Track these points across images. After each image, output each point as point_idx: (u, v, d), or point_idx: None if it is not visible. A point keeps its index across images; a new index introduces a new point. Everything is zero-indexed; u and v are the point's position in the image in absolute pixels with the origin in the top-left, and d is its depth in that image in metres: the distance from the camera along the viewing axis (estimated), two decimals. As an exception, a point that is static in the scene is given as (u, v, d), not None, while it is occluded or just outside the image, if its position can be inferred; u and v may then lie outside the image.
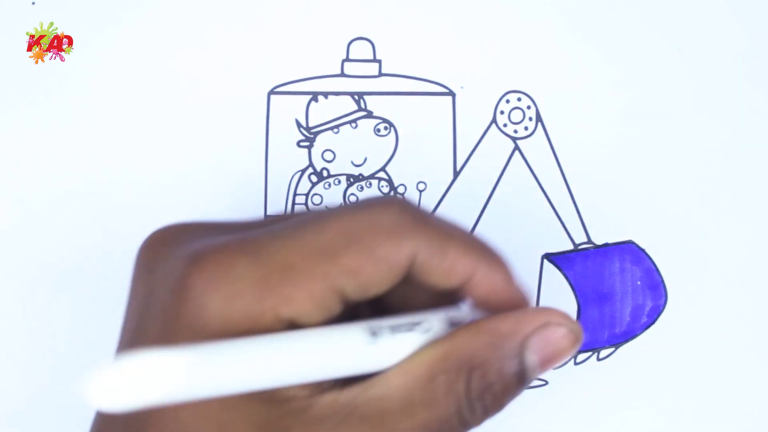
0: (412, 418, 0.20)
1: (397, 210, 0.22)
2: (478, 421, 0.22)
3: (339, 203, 0.37)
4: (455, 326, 0.23)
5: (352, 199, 0.37)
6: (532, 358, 0.22)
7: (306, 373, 0.20)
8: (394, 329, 0.21)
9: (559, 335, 0.22)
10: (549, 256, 0.37)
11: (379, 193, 0.37)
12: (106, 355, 0.36)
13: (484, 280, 0.23)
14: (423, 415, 0.21)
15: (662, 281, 0.37)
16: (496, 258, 0.23)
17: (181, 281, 0.21)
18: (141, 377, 0.17)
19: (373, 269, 0.21)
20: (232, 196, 0.37)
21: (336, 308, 0.21)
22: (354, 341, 0.21)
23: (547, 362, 0.22)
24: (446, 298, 0.24)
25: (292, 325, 0.21)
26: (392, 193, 0.37)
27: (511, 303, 0.23)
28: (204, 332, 0.20)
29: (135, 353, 0.17)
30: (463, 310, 0.24)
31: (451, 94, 0.38)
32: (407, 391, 0.21)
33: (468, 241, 0.23)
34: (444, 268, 0.22)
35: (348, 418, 0.20)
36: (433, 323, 0.22)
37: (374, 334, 0.21)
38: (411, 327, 0.22)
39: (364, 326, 0.21)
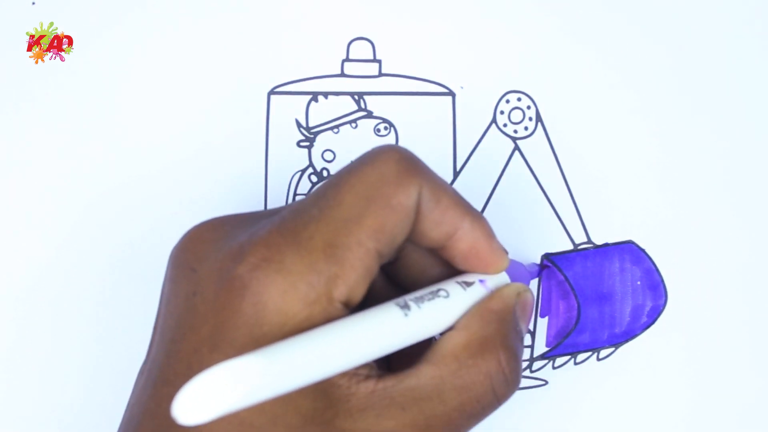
0: (447, 403, 0.23)
1: (397, 158, 0.24)
2: (510, 393, 0.24)
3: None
4: (467, 285, 0.25)
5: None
6: (523, 325, 0.26)
7: (359, 357, 0.22)
8: (418, 300, 0.23)
9: (529, 299, 0.27)
10: (549, 256, 0.37)
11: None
12: (110, 353, 0.36)
13: (467, 236, 0.25)
14: (457, 399, 0.23)
15: (662, 281, 0.37)
16: (479, 215, 0.25)
17: (234, 280, 0.22)
18: (227, 386, 0.18)
19: (394, 219, 0.23)
20: (232, 196, 0.37)
21: (375, 269, 0.23)
22: (392, 319, 0.22)
23: (527, 322, 0.27)
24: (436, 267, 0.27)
25: (345, 303, 0.22)
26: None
27: (491, 260, 0.26)
28: (264, 327, 0.21)
29: (221, 364, 0.18)
30: (469, 275, 0.26)
31: (451, 94, 0.38)
32: (439, 380, 0.23)
33: (456, 195, 0.25)
34: (436, 216, 0.24)
35: (387, 408, 0.22)
36: (448, 288, 0.24)
37: (404, 307, 0.23)
38: (432, 296, 0.24)
39: (395, 303, 0.23)
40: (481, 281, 0.26)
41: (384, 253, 0.23)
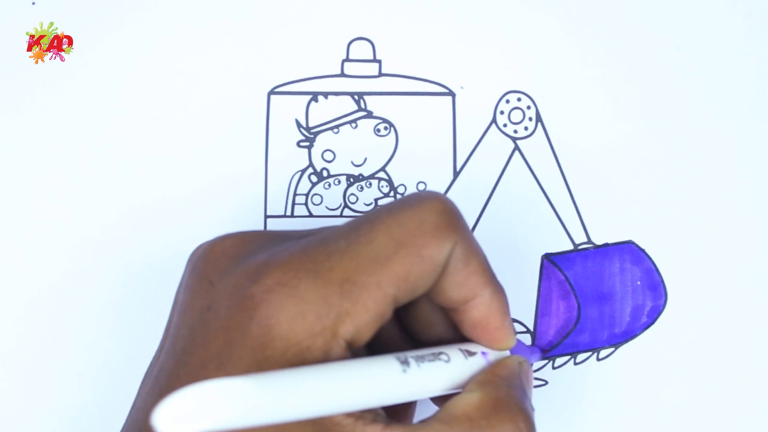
0: None
1: (440, 209, 0.23)
2: None
3: (340, 203, 0.37)
4: (470, 355, 0.25)
5: (352, 199, 0.37)
6: (529, 391, 0.26)
7: (351, 404, 0.21)
8: (419, 359, 0.23)
9: (530, 370, 0.26)
10: (549, 256, 0.37)
11: (379, 194, 0.37)
12: (113, 360, 0.36)
13: (484, 306, 0.24)
14: None
15: (662, 281, 0.37)
16: (500, 289, 0.25)
17: (246, 299, 0.22)
18: (213, 404, 0.18)
19: (421, 270, 0.23)
20: (232, 196, 0.37)
21: (389, 315, 0.23)
22: (390, 372, 0.22)
23: (531, 392, 0.26)
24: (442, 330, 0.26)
25: (350, 341, 0.22)
26: (392, 193, 0.37)
27: (500, 337, 0.25)
28: (267, 351, 0.21)
29: (210, 381, 0.18)
30: (472, 344, 0.26)
31: (451, 94, 0.38)
32: None
33: (485, 262, 0.24)
34: (460, 277, 0.24)
35: None
36: (450, 354, 0.24)
37: (404, 363, 0.22)
38: (433, 358, 0.24)
39: (395, 357, 0.23)
40: (483, 354, 0.25)
41: (401, 301, 0.23)
